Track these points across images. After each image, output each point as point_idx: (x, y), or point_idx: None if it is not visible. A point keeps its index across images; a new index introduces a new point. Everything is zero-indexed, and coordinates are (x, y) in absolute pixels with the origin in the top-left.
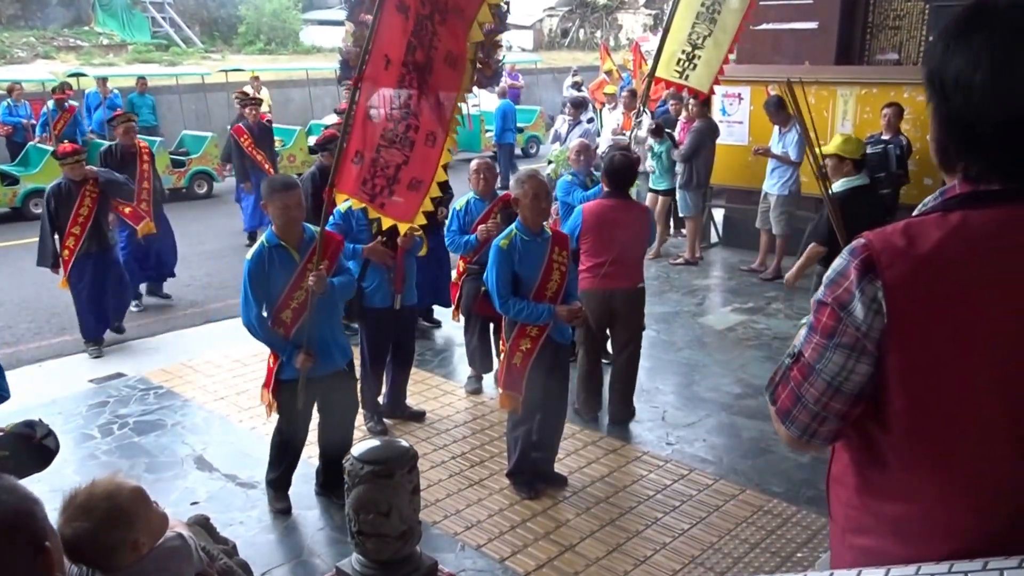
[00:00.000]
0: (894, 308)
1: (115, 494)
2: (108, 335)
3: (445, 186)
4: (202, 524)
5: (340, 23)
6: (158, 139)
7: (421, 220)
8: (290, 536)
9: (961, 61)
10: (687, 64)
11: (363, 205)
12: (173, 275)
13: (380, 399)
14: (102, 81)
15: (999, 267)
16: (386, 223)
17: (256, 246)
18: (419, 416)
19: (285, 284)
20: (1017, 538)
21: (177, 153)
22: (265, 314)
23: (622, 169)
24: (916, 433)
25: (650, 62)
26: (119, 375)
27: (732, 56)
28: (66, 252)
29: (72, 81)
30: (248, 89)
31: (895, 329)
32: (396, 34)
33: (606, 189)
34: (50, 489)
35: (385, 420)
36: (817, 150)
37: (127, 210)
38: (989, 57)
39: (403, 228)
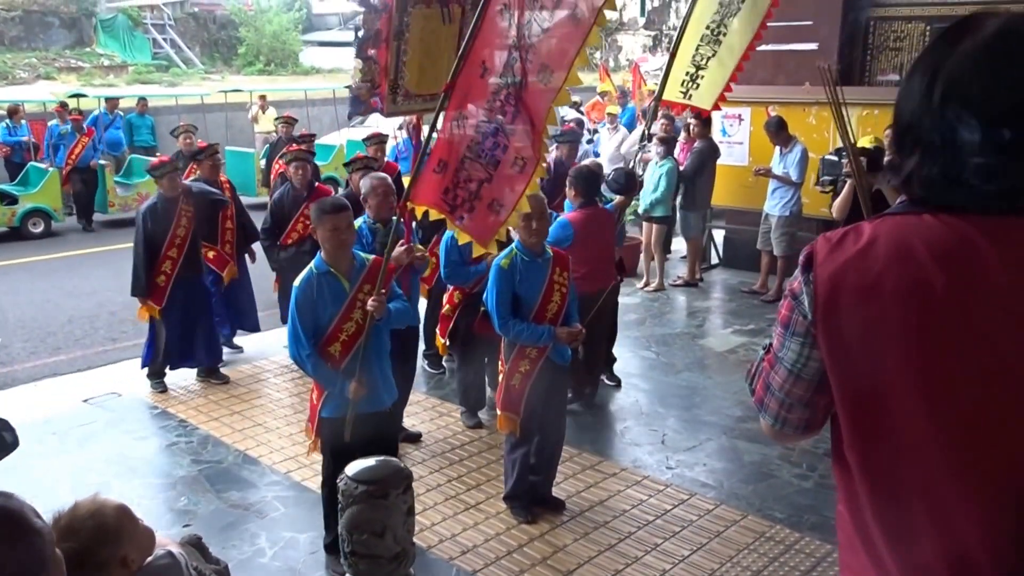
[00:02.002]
0: (816, 301)
1: (99, 512)
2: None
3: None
4: (194, 544)
5: (340, 44)
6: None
7: (493, 248)
8: (282, 558)
9: (916, 78)
10: (690, 84)
11: (441, 216)
12: (257, 328)
13: None
14: (113, 101)
15: (915, 269)
16: (462, 239)
17: (304, 273)
18: (415, 438)
19: (334, 314)
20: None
21: None
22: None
23: (592, 178)
24: (849, 426)
25: (649, 82)
26: (114, 394)
27: (739, 73)
28: (162, 278)
29: (72, 102)
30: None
31: (817, 321)
32: (497, 40)
33: (580, 199)
34: (43, 510)
35: None
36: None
37: (211, 254)
38: (924, 69)
39: (477, 251)
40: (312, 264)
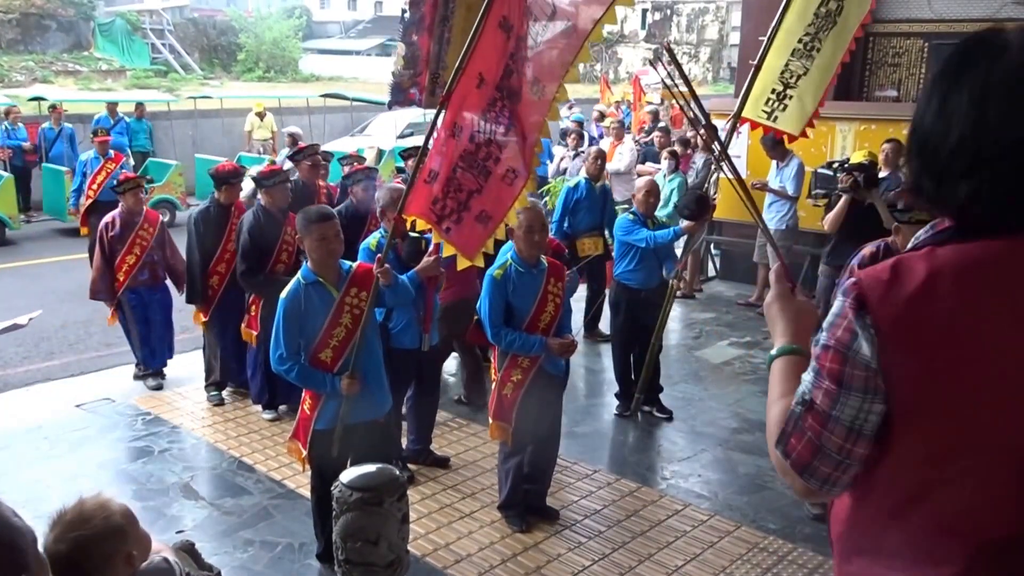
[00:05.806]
0: (883, 347)
1: (107, 507)
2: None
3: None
4: (187, 550)
5: (340, 52)
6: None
7: (480, 262)
8: (276, 566)
9: (955, 98)
10: (776, 104)
11: (428, 227)
12: None
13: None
14: (112, 105)
15: (991, 303)
16: (447, 251)
17: (292, 284)
18: (443, 462)
19: (323, 322)
20: None
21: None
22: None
23: None
24: (910, 464)
25: (649, 95)
26: (107, 400)
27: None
28: (208, 292)
29: (33, 106)
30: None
31: (885, 368)
32: (495, 53)
33: None
34: (34, 516)
35: (410, 467)
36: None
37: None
38: (968, 88)
39: (462, 264)
40: (299, 275)
